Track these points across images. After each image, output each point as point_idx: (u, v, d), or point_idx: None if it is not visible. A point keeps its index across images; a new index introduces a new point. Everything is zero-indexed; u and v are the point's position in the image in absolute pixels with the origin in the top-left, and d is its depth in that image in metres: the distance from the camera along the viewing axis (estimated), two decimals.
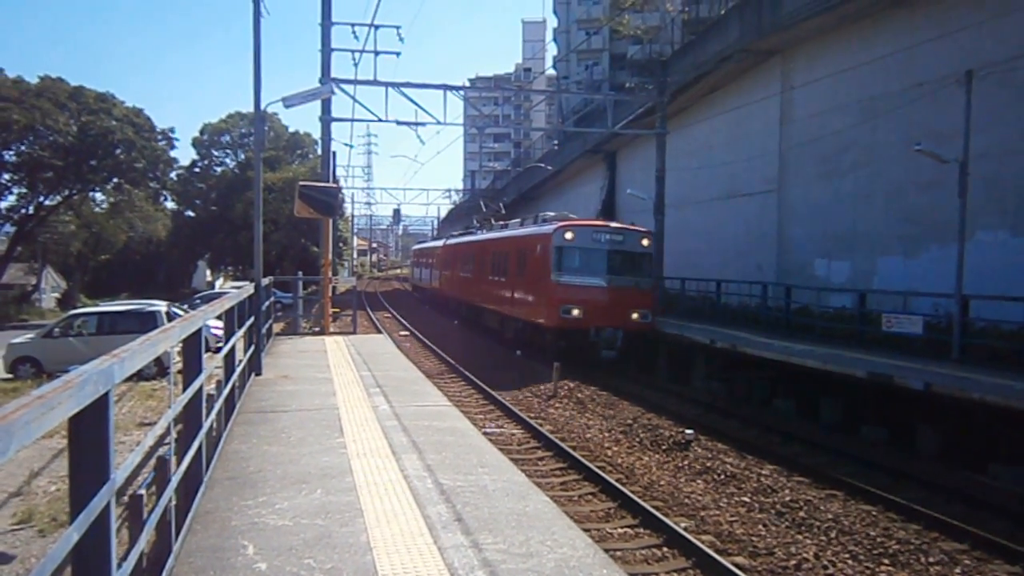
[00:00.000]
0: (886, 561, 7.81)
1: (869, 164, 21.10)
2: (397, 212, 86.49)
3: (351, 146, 65.46)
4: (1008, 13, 16.63)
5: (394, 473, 6.50)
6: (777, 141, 25.34)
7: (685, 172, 30.30)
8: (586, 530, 8.44)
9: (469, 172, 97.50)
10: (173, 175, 62.89)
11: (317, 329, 20.95)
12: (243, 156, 64.29)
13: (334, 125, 24.55)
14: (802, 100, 24.13)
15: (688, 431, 12.74)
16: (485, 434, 11.51)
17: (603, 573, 4.49)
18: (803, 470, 11.05)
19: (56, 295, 59.30)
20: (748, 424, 14.69)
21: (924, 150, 15.25)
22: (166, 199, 65.45)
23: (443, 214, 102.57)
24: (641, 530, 8.72)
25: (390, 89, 23.90)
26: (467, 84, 59.19)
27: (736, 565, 7.48)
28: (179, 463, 4.93)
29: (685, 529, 8.52)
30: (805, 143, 23.81)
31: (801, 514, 9.21)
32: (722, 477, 10.83)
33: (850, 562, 7.82)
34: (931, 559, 7.80)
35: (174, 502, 4.63)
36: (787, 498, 9.77)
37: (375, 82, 23.70)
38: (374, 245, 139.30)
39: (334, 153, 31.08)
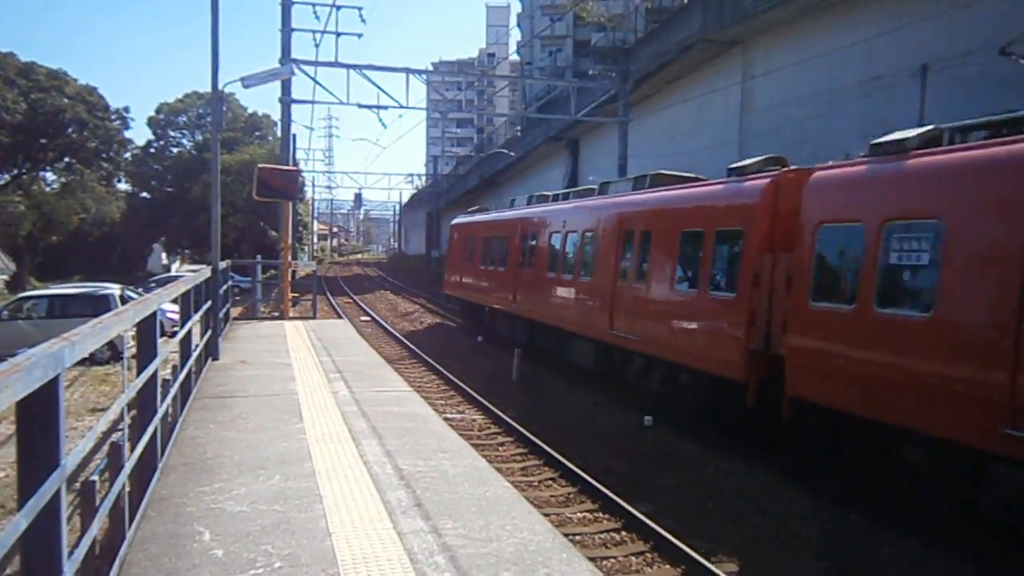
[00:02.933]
0: (836, 544, 8.00)
1: (827, 155, 21.41)
2: (359, 196, 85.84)
3: (312, 128, 64.83)
4: (960, 8, 16.97)
5: (354, 458, 6.46)
6: (738, 130, 25.61)
7: (647, 159, 30.43)
8: (546, 515, 8.49)
9: (431, 157, 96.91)
10: (128, 156, 61.42)
11: (276, 314, 20.69)
12: (200, 137, 62.98)
13: (294, 107, 24.22)
14: (762, 90, 24.40)
15: (647, 417, 12.87)
16: (446, 419, 11.51)
17: (562, 557, 4.52)
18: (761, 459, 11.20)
19: (4, 277, 57.66)
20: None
21: (880, 142, 15.50)
22: (120, 180, 63.91)
23: (405, 199, 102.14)
24: (601, 515, 8.80)
25: (352, 71, 23.61)
26: (430, 68, 58.68)
27: (694, 548, 7.59)
28: (133, 449, 4.84)
29: (644, 514, 8.61)
30: (765, 132, 24.08)
31: (758, 501, 9.37)
32: (681, 463, 10.97)
33: (800, 550, 7.99)
34: (885, 550, 8.00)
35: (128, 489, 4.56)
36: (743, 484, 9.93)
37: (336, 64, 23.39)
38: (335, 229, 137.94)
39: (294, 135, 30.61)
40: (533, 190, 44.05)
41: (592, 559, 7.32)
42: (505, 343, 21.05)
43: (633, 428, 12.81)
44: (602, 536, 8.18)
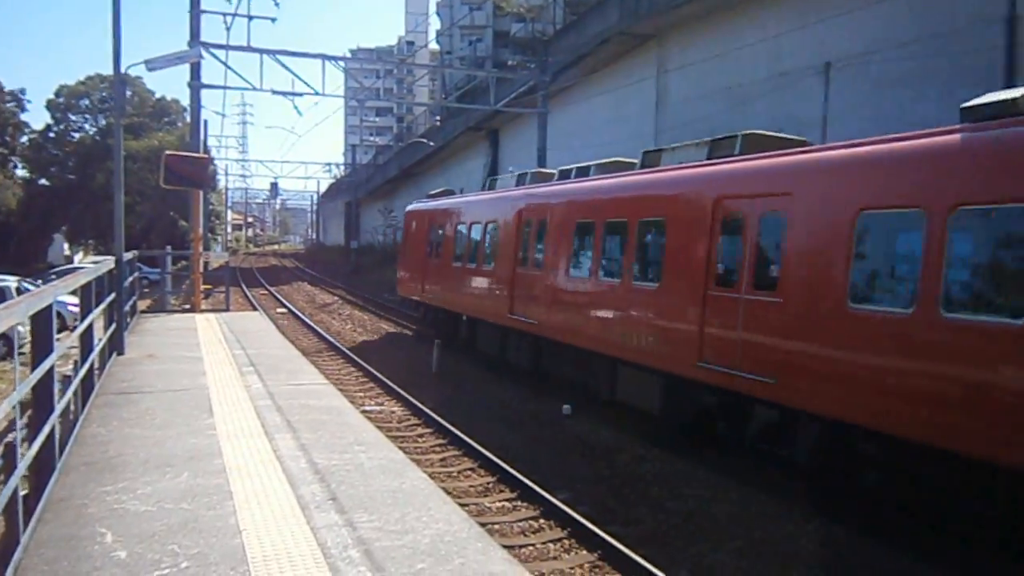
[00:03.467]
0: (745, 523, 8.29)
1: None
2: (275, 185, 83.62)
3: (224, 115, 62.75)
4: (861, 8, 17.73)
5: (267, 453, 6.33)
6: (654, 123, 26.12)
7: (567, 151, 30.74)
8: (465, 505, 8.53)
9: (350, 146, 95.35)
10: (24, 140, 58.21)
11: (187, 307, 20.03)
12: (104, 122, 60.19)
13: (206, 93, 23.44)
14: (676, 84, 24.94)
15: (566, 406, 13.03)
16: (364, 412, 11.40)
17: (477, 547, 4.54)
18: (670, 444, 11.48)
19: None
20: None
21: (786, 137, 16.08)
22: (17, 166, 60.54)
23: (323, 189, 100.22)
24: (520, 503, 8.87)
25: (265, 56, 22.98)
26: (348, 55, 57.60)
27: (610, 534, 7.74)
28: (28, 448, 4.61)
29: (562, 501, 8.72)
30: (679, 126, 24.62)
31: (672, 486, 9.63)
32: (599, 451, 11.16)
33: (711, 532, 8.25)
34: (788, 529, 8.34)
35: (23, 490, 4.33)
36: (657, 470, 10.18)
37: (249, 48, 22.72)
38: (250, 220, 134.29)
39: (205, 122, 29.65)
40: (453, 181, 44.00)
41: (509, 547, 7.39)
42: (484, 358, 17.69)
43: (551, 417, 12.96)
44: (520, 524, 8.26)
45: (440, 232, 20.35)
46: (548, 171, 17.46)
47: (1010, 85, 11.89)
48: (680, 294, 10.58)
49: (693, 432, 10.78)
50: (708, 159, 11.05)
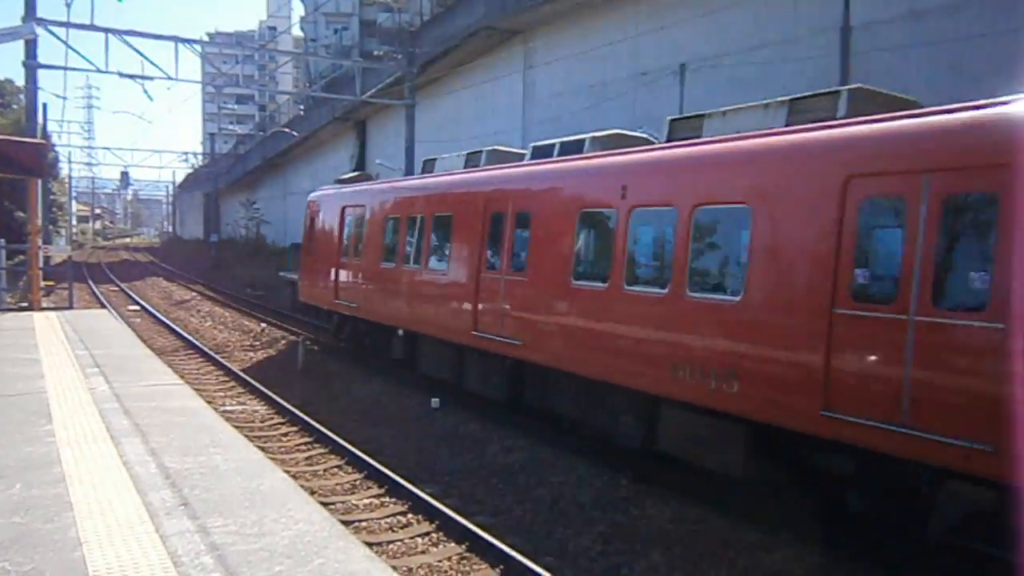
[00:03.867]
0: (609, 508, 8.57)
1: None
2: (125, 175, 78.69)
3: (65, 98, 58.14)
4: (714, 13, 18.63)
5: (112, 459, 5.94)
6: (521, 117, 26.46)
7: (435, 144, 30.63)
8: (330, 504, 8.38)
9: (208, 135, 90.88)
10: None
11: (25, 304, 18.50)
12: None
13: (46, 74, 21.69)
14: (543, 80, 25.37)
15: (435, 400, 13.01)
16: (223, 412, 10.95)
17: (338, 545, 4.45)
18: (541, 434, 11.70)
19: None
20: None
21: (646, 134, 16.71)
22: None
23: (180, 179, 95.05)
24: (387, 499, 8.78)
25: (112, 37, 21.51)
26: (205, 38, 54.69)
27: (478, 525, 7.79)
28: None
29: (431, 495, 8.71)
30: (546, 121, 25.08)
31: (539, 474, 9.81)
32: (468, 443, 11.21)
33: (576, 517, 8.48)
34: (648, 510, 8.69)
35: None
36: (524, 459, 10.34)
37: (92, 27, 21.22)
38: (98, 211, 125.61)
39: (44, 105, 27.52)
40: (319, 172, 42.87)
41: (375, 544, 7.32)
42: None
43: (420, 411, 12.90)
44: (388, 520, 8.17)
45: (362, 225, 16.55)
46: (514, 150, 14.41)
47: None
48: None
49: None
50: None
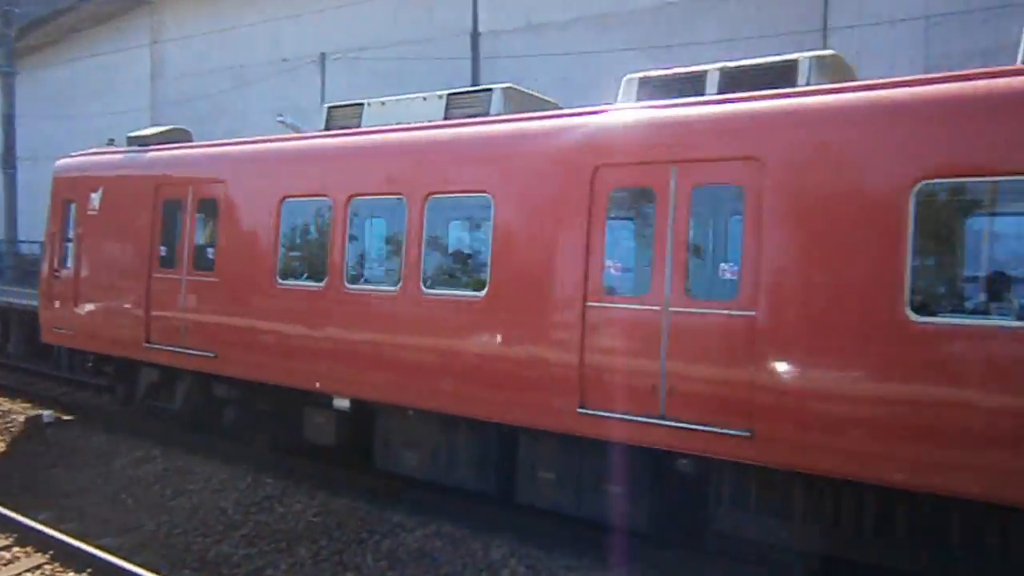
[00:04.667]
0: (253, 509, 8.34)
1: (243, 132, 21.82)
2: None
3: None
4: (351, 5, 18.83)
5: None
6: (149, 97, 24.34)
7: (43, 120, 26.87)
8: None
9: None
10: None
11: None
12: None
13: None
14: (175, 57, 23.61)
15: (47, 413, 11.51)
16: None
17: None
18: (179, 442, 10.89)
19: None
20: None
21: (286, 122, 16.36)
22: None
23: None
24: None
25: None
26: None
27: (103, 548, 7.09)
28: None
29: (42, 522, 7.71)
30: (180, 103, 23.34)
31: (176, 483, 9.18)
32: (91, 459, 10.10)
33: (218, 523, 8.13)
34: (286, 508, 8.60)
35: None
36: (159, 469, 9.61)
37: None
38: None
39: None
40: None
41: None
42: None
43: (31, 427, 11.30)
44: None
45: (209, 213, 10.04)
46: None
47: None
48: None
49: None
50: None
